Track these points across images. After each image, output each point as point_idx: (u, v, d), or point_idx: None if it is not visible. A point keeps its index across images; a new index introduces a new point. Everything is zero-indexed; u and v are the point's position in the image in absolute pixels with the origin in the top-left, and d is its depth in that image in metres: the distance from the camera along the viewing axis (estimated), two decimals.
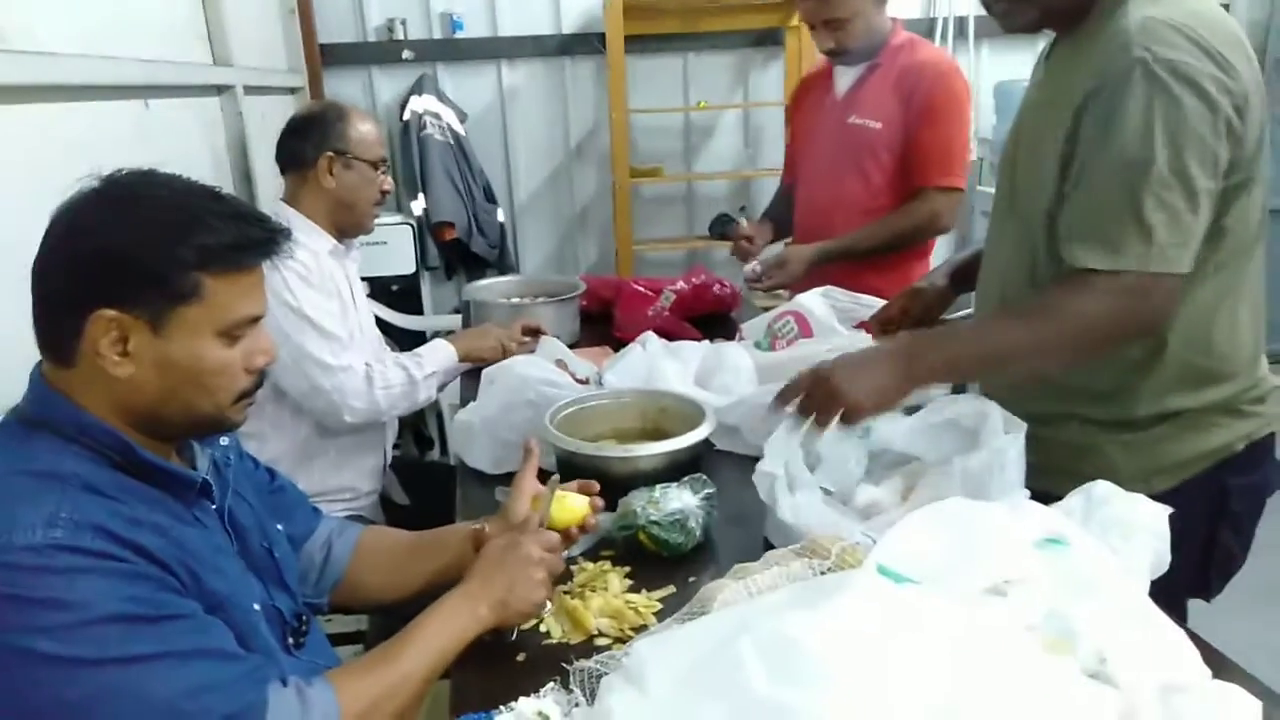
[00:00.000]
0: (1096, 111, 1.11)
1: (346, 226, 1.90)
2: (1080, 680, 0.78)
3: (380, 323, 2.97)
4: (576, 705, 0.91)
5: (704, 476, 1.32)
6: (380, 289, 3.43)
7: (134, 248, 0.86)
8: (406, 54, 3.79)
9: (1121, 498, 1.06)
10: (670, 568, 1.25)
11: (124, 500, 0.85)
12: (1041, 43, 1.37)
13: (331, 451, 1.84)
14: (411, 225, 3.54)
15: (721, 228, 4.01)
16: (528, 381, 1.53)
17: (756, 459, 1.56)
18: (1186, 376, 1.22)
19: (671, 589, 1.19)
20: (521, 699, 0.90)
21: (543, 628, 1.12)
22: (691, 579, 1.22)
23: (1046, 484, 1.27)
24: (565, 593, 1.18)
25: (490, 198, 3.89)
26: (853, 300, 1.82)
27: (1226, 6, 3.64)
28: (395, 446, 3.18)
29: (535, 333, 2.07)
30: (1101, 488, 1.08)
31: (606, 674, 0.85)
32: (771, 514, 1.26)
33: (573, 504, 1.19)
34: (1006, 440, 1.24)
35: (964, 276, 1.57)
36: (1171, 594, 1.03)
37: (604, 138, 3.99)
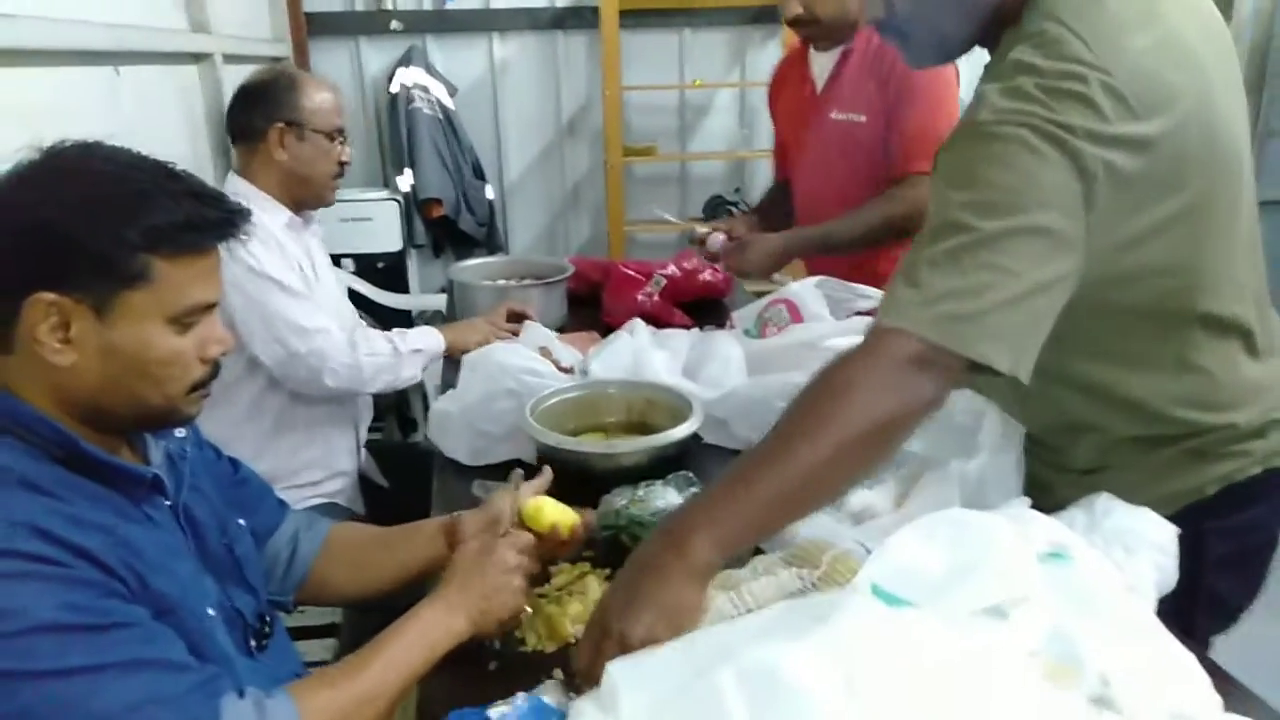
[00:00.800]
0: None
1: (303, 200, 1.83)
2: (1084, 713, 0.73)
3: (364, 301, 2.91)
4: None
5: (689, 474, 1.26)
6: (365, 266, 3.36)
7: (76, 226, 0.79)
8: (395, 24, 3.68)
9: (1125, 510, 1.01)
10: None
11: (65, 497, 0.79)
12: None
13: (300, 427, 1.79)
14: (398, 201, 3.46)
15: (715, 210, 3.98)
16: (508, 370, 1.47)
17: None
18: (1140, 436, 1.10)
19: None
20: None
21: (518, 633, 1.06)
22: None
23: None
24: (541, 596, 1.13)
25: (479, 174, 3.80)
26: (847, 289, 1.76)
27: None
28: (378, 429, 3.14)
29: (520, 317, 2.00)
30: (1104, 500, 1.03)
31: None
32: None
33: (553, 505, 1.13)
34: (1005, 443, 1.19)
35: None
36: (1182, 612, 0.98)
37: (597, 115, 3.90)
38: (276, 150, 1.73)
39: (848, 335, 1.54)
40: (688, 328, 2.04)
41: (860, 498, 1.14)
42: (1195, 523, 1.04)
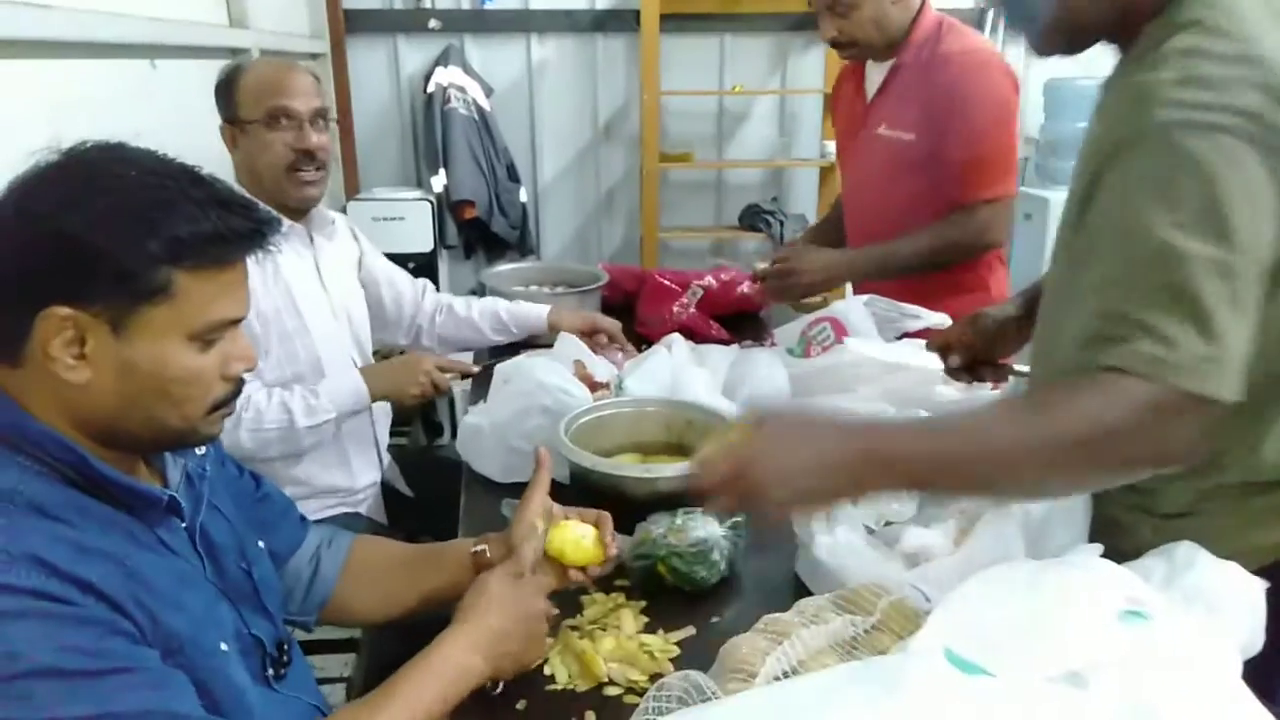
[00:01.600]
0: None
1: (276, 200, 1.56)
2: None
3: None
4: None
5: None
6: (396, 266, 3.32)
7: (94, 236, 0.74)
8: (433, 23, 3.65)
9: (1209, 564, 0.93)
10: (690, 604, 1.13)
11: (74, 522, 0.74)
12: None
13: (315, 453, 1.68)
14: (431, 202, 3.42)
15: (751, 219, 3.91)
16: (546, 388, 1.41)
17: None
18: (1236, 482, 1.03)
19: (691, 630, 1.08)
20: None
21: (547, 669, 1.01)
22: (714, 618, 1.11)
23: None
24: (573, 628, 1.07)
25: (513, 176, 3.76)
26: (896, 309, 1.69)
27: None
28: (403, 434, 3.08)
29: (601, 335, 1.95)
30: (1185, 550, 0.95)
31: None
32: (805, 550, 1.14)
33: (584, 540, 1.07)
34: None
35: (1034, 308, 1.24)
36: (1266, 674, 0.90)
37: (634, 119, 3.85)
38: (232, 152, 1.59)
39: (918, 369, 1.46)
40: (724, 342, 1.98)
41: (916, 537, 1.07)
42: None
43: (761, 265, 1.90)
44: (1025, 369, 1.18)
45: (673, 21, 3.62)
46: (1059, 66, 3.87)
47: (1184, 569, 0.93)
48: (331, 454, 1.71)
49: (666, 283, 2.25)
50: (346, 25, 3.55)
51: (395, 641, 1.15)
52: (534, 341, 2.09)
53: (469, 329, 2.03)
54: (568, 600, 1.11)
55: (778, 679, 0.81)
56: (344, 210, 3.29)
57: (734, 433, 0.93)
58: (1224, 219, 0.81)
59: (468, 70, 3.64)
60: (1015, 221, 3.49)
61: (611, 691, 0.98)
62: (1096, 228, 0.91)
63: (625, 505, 1.24)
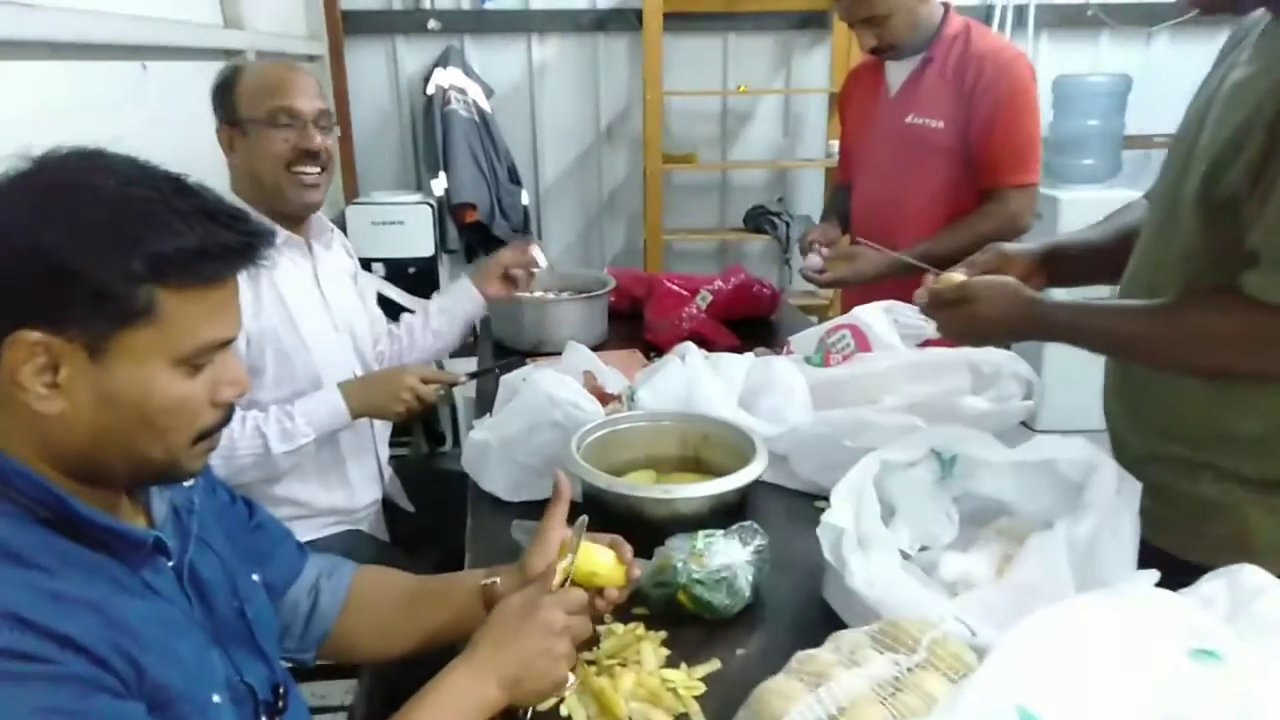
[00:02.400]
0: None
1: (273, 206, 1.51)
2: None
3: (393, 306, 2.79)
4: None
5: (755, 525, 1.13)
6: (396, 271, 3.26)
7: (68, 253, 0.67)
8: (433, 24, 3.58)
9: (1278, 590, 0.87)
10: (713, 634, 1.07)
11: (51, 568, 0.67)
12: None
13: (313, 475, 1.61)
14: (431, 205, 3.35)
15: (756, 220, 3.84)
16: (555, 401, 1.34)
17: (807, 495, 1.40)
18: None
19: (716, 664, 1.01)
20: None
21: (563, 709, 0.94)
22: (740, 650, 1.04)
23: (1164, 542, 1.09)
24: (590, 663, 1.00)
25: (515, 179, 3.69)
26: (919, 315, 1.62)
27: None
28: (404, 444, 3.01)
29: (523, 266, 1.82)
30: (1250, 576, 0.88)
31: None
32: (833, 574, 1.07)
33: (605, 560, 1.00)
34: (1120, 503, 1.05)
35: (1059, 261, 1.29)
36: None
37: (636, 120, 3.78)
38: (230, 155, 1.51)
39: (928, 368, 1.41)
40: (735, 348, 1.92)
41: (956, 564, 1.01)
42: None
43: (813, 258, 1.93)
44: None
45: (675, 20, 3.55)
46: (1067, 63, 3.82)
47: (1251, 597, 0.87)
48: (332, 476, 1.64)
49: (675, 288, 2.19)
50: (345, 26, 3.48)
51: (399, 667, 1.08)
52: (540, 349, 2.02)
53: (422, 338, 1.85)
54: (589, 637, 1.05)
55: None
56: (343, 215, 3.22)
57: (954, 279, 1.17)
58: None
59: (468, 71, 3.57)
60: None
61: None
62: None
63: (642, 527, 1.18)
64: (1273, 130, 0.94)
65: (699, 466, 1.36)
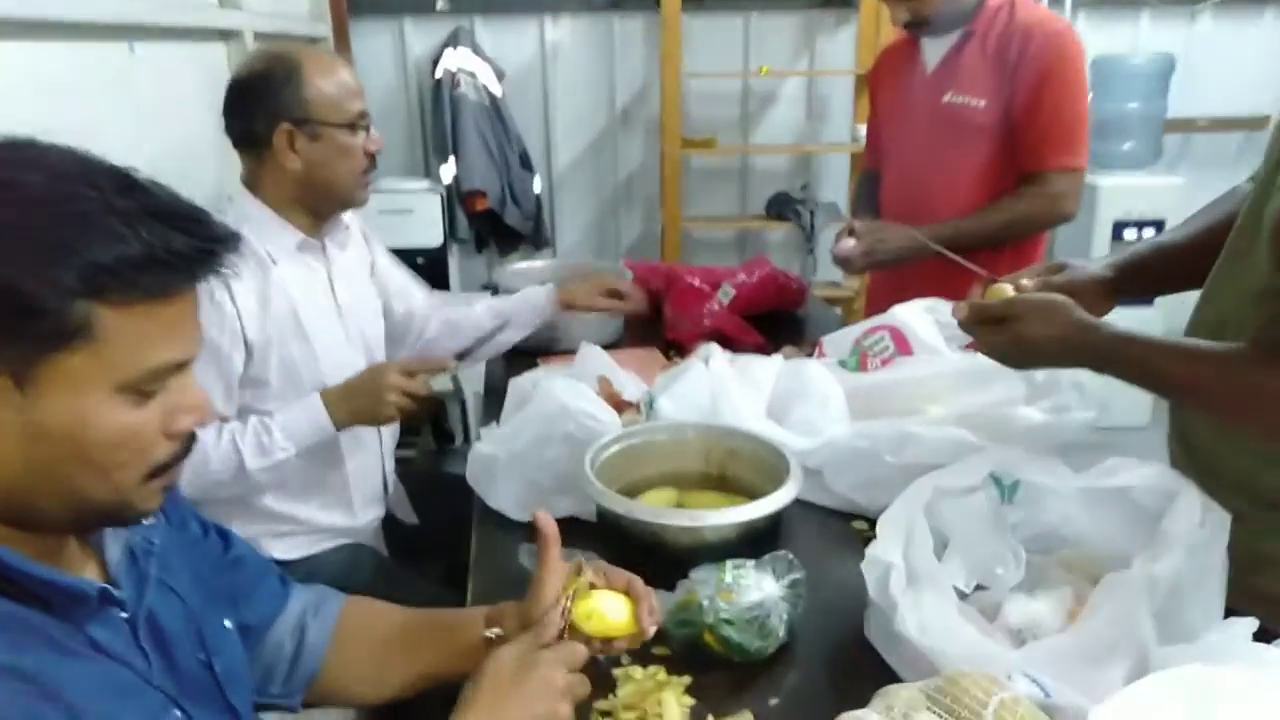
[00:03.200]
0: None
1: (328, 210, 1.49)
2: None
3: None
4: None
5: (790, 556, 1.02)
6: (404, 262, 3.09)
7: None
8: (441, 4, 3.46)
9: None
10: (743, 679, 0.96)
11: None
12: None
13: (315, 490, 1.51)
14: (440, 193, 3.23)
15: (779, 208, 3.71)
16: (568, 412, 1.23)
17: (843, 514, 1.28)
18: None
19: (748, 717, 0.90)
20: None
21: None
22: (773, 700, 0.93)
23: None
24: (605, 715, 0.89)
25: (527, 165, 3.57)
26: None
27: None
28: (410, 445, 2.90)
29: (617, 295, 1.81)
30: None
31: None
32: (878, 614, 0.95)
33: (613, 610, 0.88)
34: (1206, 537, 0.92)
35: (1135, 278, 1.17)
36: None
37: (654, 103, 3.64)
38: (287, 157, 1.40)
39: (977, 375, 1.28)
40: (761, 347, 1.80)
41: (1022, 609, 0.89)
42: None
43: (845, 242, 1.77)
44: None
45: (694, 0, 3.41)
46: (1107, 42, 3.66)
47: None
48: (334, 497, 1.54)
49: (696, 283, 2.06)
50: (349, 7, 3.34)
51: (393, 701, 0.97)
52: (551, 347, 1.91)
53: (472, 331, 1.76)
54: (598, 676, 0.94)
55: None
56: None
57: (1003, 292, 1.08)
58: None
59: (478, 53, 3.44)
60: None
61: None
62: None
63: (664, 556, 1.07)
64: None
65: (724, 484, 1.25)
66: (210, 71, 2.10)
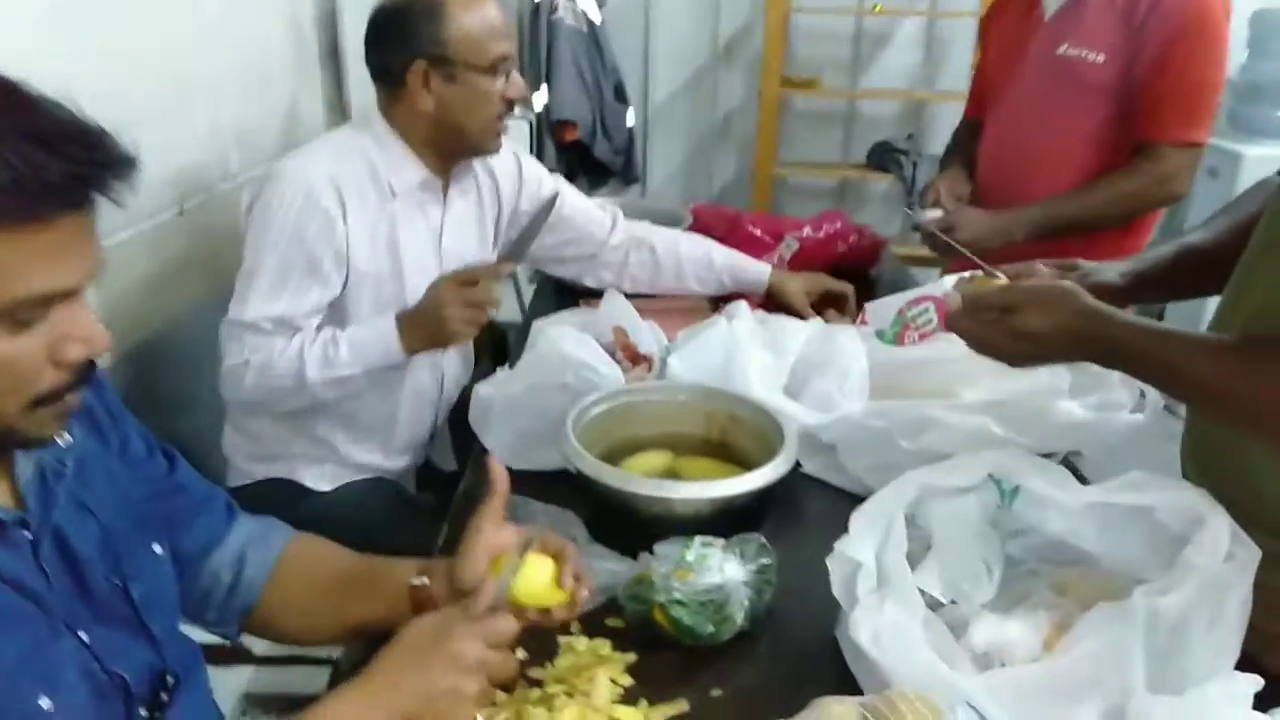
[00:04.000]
0: None
1: (457, 152, 1.44)
2: None
3: None
4: None
5: (761, 540, 0.95)
6: None
7: None
8: None
9: None
10: (691, 664, 0.90)
11: None
12: None
13: (357, 419, 1.48)
14: (530, 121, 3.19)
15: (881, 158, 3.50)
16: (569, 361, 1.18)
17: (856, 496, 1.18)
18: None
19: (683, 706, 0.84)
20: None
21: None
22: (715, 691, 0.87)
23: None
24: (536, 683, 0.86)
25: (621, 97, 3.47)
26: None
27: None
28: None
29: (837, 303, 1.70)
30: None
31: None
32: (846, 619, 0.88)
33: (539, 578, 0.83)
34: (1229, 573, 0.80)
35: (1154, 283, 1.09)
36: None
37: (758, 39, 3.48)
38: (420, 96, 1.35)
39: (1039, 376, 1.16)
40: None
41: (991, 631, 0.79)
42: None
43: (929, 214, 1.65)
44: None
45: None
46: None
47: None
48: (376, 438, 1.52)
49: (757, 232, 1.96)
50: None
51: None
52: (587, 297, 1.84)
53: (670, 276, 1.74)
54: (542, 642, 0.90)
55: None
56: None
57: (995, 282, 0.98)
58: None
59: None
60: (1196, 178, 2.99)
61: None
62: None
63: (637, 523, 1.02)
64: None
65: (724, 452, 1.17)
66: None
